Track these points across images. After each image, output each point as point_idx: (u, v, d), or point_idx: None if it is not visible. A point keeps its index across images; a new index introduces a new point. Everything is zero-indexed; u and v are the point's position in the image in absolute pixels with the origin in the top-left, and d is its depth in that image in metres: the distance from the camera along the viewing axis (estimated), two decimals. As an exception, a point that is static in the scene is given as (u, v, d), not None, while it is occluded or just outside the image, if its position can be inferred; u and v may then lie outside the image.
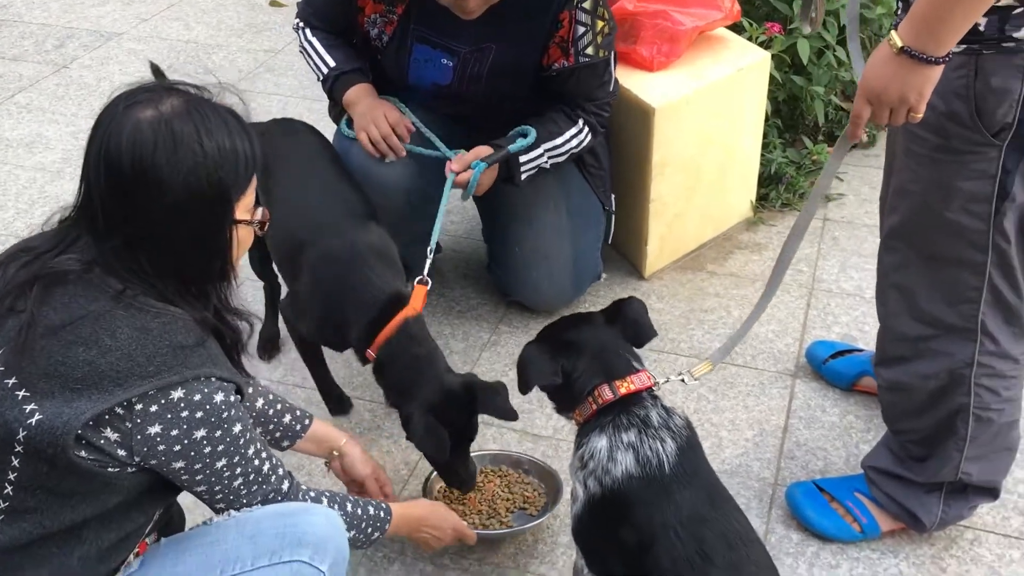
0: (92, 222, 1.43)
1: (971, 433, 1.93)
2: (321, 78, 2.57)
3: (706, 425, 2.51)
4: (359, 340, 2.13)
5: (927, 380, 1.93)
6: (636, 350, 1.84)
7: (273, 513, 1.58)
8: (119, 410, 1.36)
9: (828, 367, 2.62)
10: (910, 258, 1.89)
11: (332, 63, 2.54)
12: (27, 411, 1.35)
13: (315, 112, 2.84)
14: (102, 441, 1.37)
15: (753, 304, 2.90)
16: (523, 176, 2.51)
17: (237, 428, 1.46)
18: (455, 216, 3.38)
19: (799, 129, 3.56)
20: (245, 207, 1.49)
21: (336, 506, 1.70)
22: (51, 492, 1.39)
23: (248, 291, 2.92)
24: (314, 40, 2.58)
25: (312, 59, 2.59)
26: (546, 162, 2.54)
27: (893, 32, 1.56)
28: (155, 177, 1.37)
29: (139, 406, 1.36)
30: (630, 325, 1.84)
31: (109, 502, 1.43)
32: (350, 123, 2.55)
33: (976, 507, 2.11)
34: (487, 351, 2.81)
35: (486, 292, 3.03)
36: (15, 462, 1.37)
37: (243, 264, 2.48)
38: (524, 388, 1.79)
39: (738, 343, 2.15)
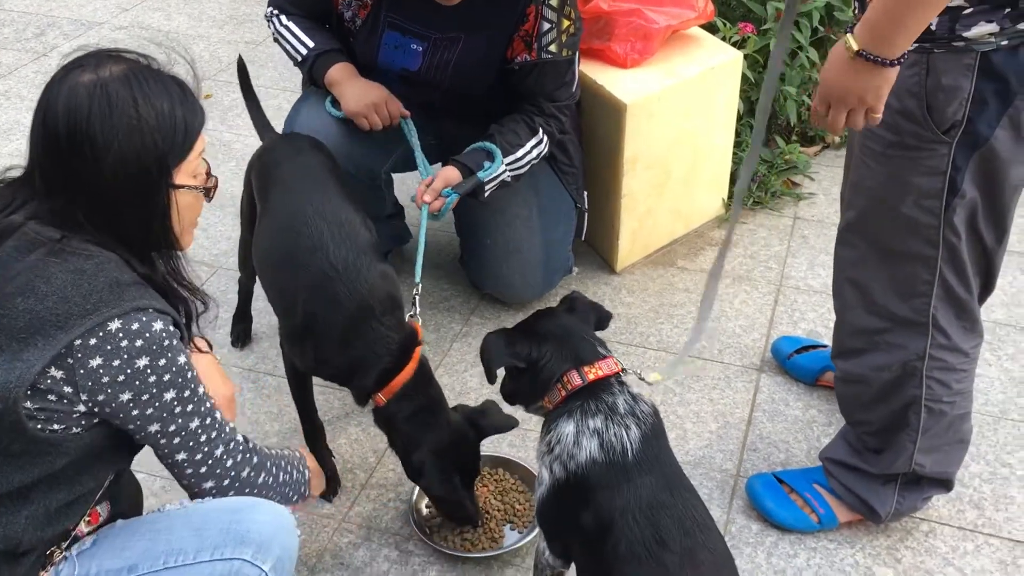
0: (33, 184, 1.47)
1: (923, 425, 1.97)
2: (300, 59, 2.58)
3: (671, 417, 2.55)
4: (371, 386, 2.04)
5: (881, 372, 1.97)
6: (599, 337, 1.87)
7: (221, 507, 1.60)
8: (63, 350, 1.38)
9: (792, 362, 2.66)
10: (865, 253, 1.93)
11: (311, 43, 2.56)
12: None
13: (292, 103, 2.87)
14: (48, 381, 1.38)
15: (723, 299, 2.96)
16: (487, 194, 2.54)
17: (182, 359, 1.47)
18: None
19: (772, 129, 3.60)
20: (189, 173, 1.52)
21: (273, 465, 1.69)
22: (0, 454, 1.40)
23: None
24: (290, 24, 2.59)
25: (289, 42, 2.60)
26: (508, 176, 2.56)
27: (848, 35, 1.59)
28: (89, 140, 1.40)
29: (78, 342, 1.38)
30: (589, 311, 1.88)
31: (57, 464, 1.44)
32: (334, 102, 2.58)
33: (930, 498, 2.16)
34: (458, 341, 2.83)
35: (459, 284, 3.06)
36: None
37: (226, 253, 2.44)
38: (490, 375, 1.81)
39: (684, 356, 2.25)
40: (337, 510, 2.31)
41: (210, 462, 1.57)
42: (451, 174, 2.46)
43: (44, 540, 1.49)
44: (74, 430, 1.44)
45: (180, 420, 1.50)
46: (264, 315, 2.89)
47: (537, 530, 2.14)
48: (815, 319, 2.88)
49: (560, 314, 1.88)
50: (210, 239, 3.31)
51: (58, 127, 1.42)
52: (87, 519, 1.57)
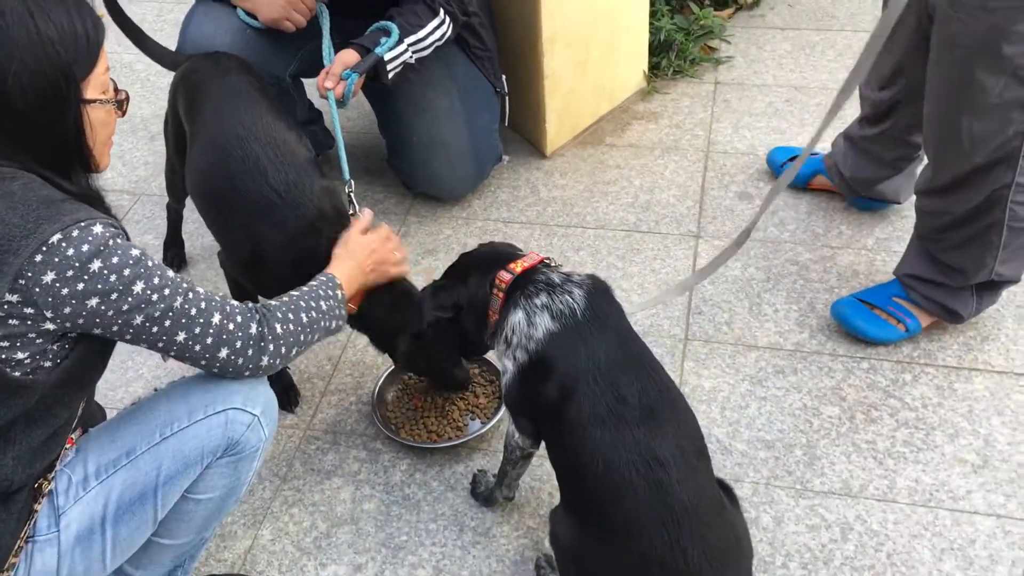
0: None
1: (1004, 242, 2.13)
2: None
3: (616, 292, 2.56)
4: None
5: (967, 203, 2.10)
6: None
7: (199, 378, 1.64)
8: (14, 273, 1.35)
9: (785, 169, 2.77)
10: (959, 103, 1.99)
11: None
12: None
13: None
14: (6, 307, 1.35)
15: (654, 172, 2.98)
16: (390, 75, 2.48)
17: (135, 251, 1.45)
18: (350, 113, 3.33)
19: (685, -6, 3.58)
20: (98, 87, 1.48)
21: (286, 312, 1.67)
22: None
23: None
24: None
25: None
26: (411, 57, 2.50)
27: None
28: None
29: (26, 262, 1.35)
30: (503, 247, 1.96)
31: (30, 401, 1.43)
32: (249, 14, 2.52)
33: (1001, 293, 2.34)
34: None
35: (391, 186, 3.03)
36: None
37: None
38: (422, 320, 1.88)
39: (663, 299, 2.39)
40: (300, 419, 2.33)
41: (211, 330, 1.54)
42: (349, 56, 2.39)
43: (33, 475, 1.50)
44: (41, 363, 1.42)
45: (162, 304, 1.48)
46: (196, 237, 2.84)
47: (498, 417, 2.21)
48: (745, 180, 2.93)
49: (474, 251, 1.95)
50: (127, 165, 3.21)
51: None
52: (65, 446, 1.58)
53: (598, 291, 1.81)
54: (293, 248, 2.01)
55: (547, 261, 1.86)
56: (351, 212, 2.13)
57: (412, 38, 2.49)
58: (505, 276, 1.81)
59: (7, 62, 1.36)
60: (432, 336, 2.01)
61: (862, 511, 2.02)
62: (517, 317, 1.77)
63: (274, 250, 2.03)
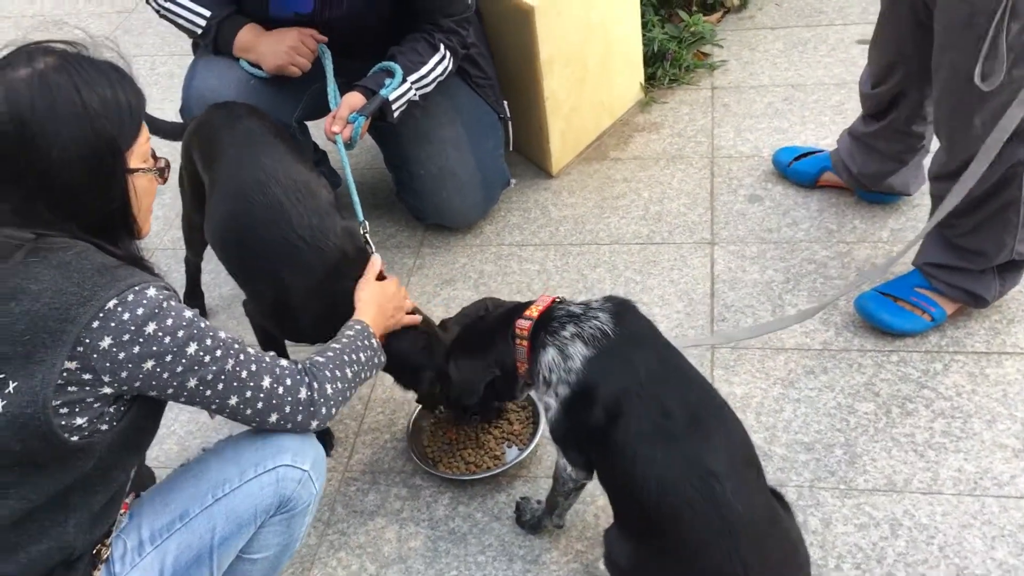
0: None
1: (1022, 220, 2.13)
2: (200, 31, 2.49)
3: (638, 306, 2.59)
4: None
5: (982, 184, 2.09)
6: None
7: (247, 436, 1.65)
8: (73, 341, 1.37)
9: (792, 169, 2.84)
10: (969, 86, 1.98)
11: (206, 12, 2.47)
12: None
13: (184, 67, 2.75)
14: (65, 374, 1.37)
15: (661, 182, 3.00)
16: (396, 114, 2.50)
17: (188, 313, 1.47)
18: (355, 149, 3.34)
19: (673, 3, 3.60)
20: (140, 156, 1.50)
21: (334, 369, 1.69)
22: (28, 465, 1.40)
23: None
24: None
25: (179, 15, 2.49)
26: (415, 95, 2.52)
27: None
28: (38, 131, 1.38)
29: (84, 329, 1.37)
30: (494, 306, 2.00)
31: (87, 466, 1.44)
32: (254, 64, 2.52)
33: None
34: (415, 275, 2.83)
35: (401, 219, 3.04)
36: None
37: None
38: (469, 398, 1.94)
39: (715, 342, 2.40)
40: (337, 462, 2.33)
41: (263, 395, 1.57)
42: (354, 99, 2.41)
43: (93, 541, 1.52)
44: (99, 426, 1.43)
45: (215, 366, 1.50)
46: (213, 288, 2.85)
47: (535, 443, 2.21)
48: (753, 183, 2.94)
49: (474, 317, 2.00)
50: (137, 223, 3.21)
51: (3, 124, 1.38)
52: (120, 512, 1.59)
53: (623, 309, 1.81)
54: (319, 292, 2.02)
55: (559, 299, 1.87)
56: (370, 252, 2.14)
57: (415, 76, 2.51)
58: (524, 324, 1.83)
59: (55, 136, 1.39)
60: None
61: (909, 506, 2.02)
62: (550, 355, 1.78)
63: (300, 295, 2.03)
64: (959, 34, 1.99)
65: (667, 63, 3.41)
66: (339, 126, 2.36)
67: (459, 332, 2.01)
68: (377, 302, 1.95)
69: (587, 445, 1.79)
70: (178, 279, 2.78)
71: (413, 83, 2.51)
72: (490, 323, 1.93)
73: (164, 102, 3.31)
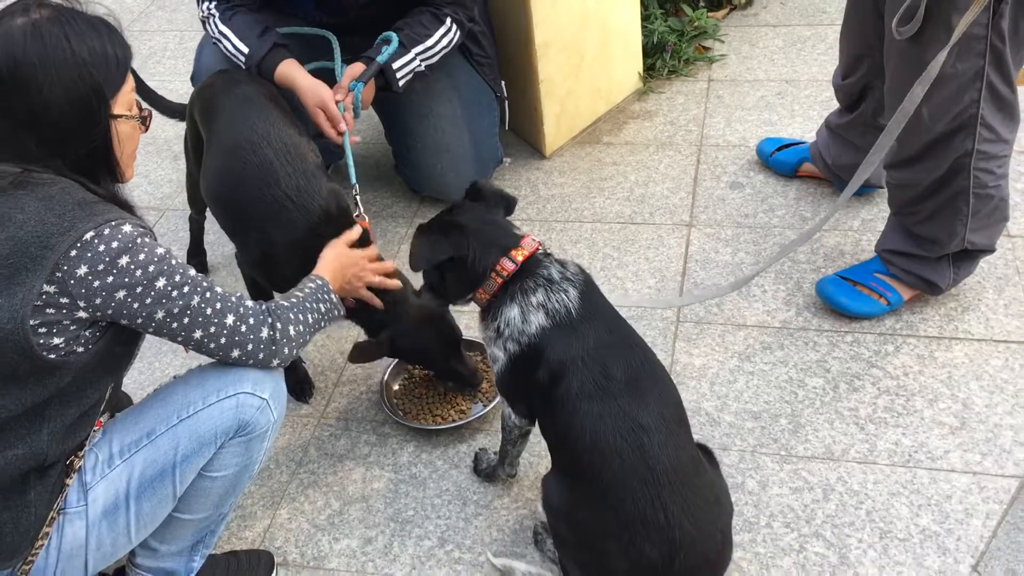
0: None
1: (972, 209, 2.24)
2: (243, 65, 2.57)
3: (612, 279, 2.72)
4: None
5: (932, 172, 2.20)
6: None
7: (214, 366, 1.79)
8: (52, 266, 1.51)
9: (775, 159, 2.96)
10: (914, 77, 2.04)
11: (246, 49, 2.54)
12: None
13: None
14: (44, 297, 1.52)
15: (649, 167, 3.11)
16: (400, 82, 2.62)
17: (160, 250, 1.61)
18: (361, 125, 3.50)
19: (678, -1, 3.72)
20: (124, 104, 1.65)
21: (296, 314, 1.82)
22: (7, 378, 1.55)
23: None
24: (223, 28, 2.57)
25: (227, 49, 2.58)
26: (420, 66, 2.65)
27: None
28: (28, 72, 1.53)
29: (63, 256, 1.52)
30: (496, 197, 2.00)
31: (62, 382, 1.59)
32: None
33: (978, 263, 2.43)
34: (405, 243, 2.97)
35: (399, 191, 3.19)
36: None
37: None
38: (416, 265, 1.94)
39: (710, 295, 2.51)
40: (315, 409, 2.48)
41: (226, 331, 1.71)
42: (355, 69, 2.54)
43: (65, 452, 1.67)
44: (75, 347, 1.58)
45: (181, 301, 1.64)
46: (216, 247, 3.01)
47: (498, 399, 2.33)
48: (736, 171, 3.05)
49: (471, 205, 1.99)
50: (152, 184, 3.40)
51: None
52: (94, 428, 1.74)
53: (590, 288, 1.88)
54: (302, 247, 2.14)
55: (540, 249, 1.92)
56: (356, 214, 2.28)
57: (420, 47, 2.63)
58: (508, 265, 1.87)
59: (45, 79, 1.54)
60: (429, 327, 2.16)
61: (843, 473, 2.12)
62: (513, 313, 1.86)
63: (285, 249, 2.18)
64: (903, 26, 2.08)
65: (667, 55, 3.52)
66: (341, 94, 2.49)
67: (452, 214, 1.98)
68: (339, 264, 2.07)
69: (530, 397, 1.90)
70: (187, 238, 2.95)
71: (418, 54, 2.63)
72: (479, 231, 1.91)
73: (189, 74, 3.49)
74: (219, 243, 3.02)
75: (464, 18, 2.72)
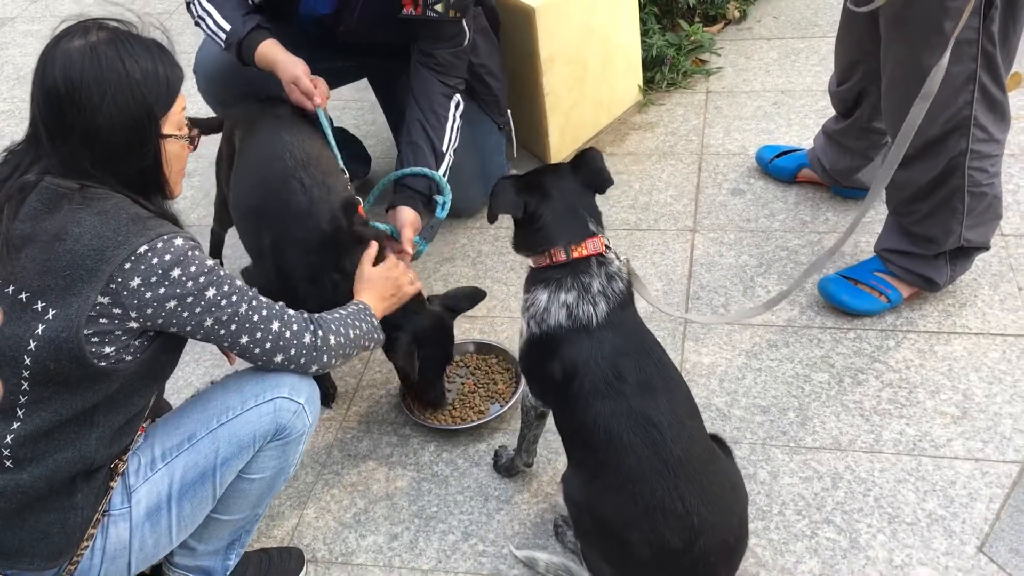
0: (39, 143, 1.67)
1: (967, 207, 2.33)
2: (223, 46, 2.62)
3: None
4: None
5: (928, 173, 2.29)
6: (597, 207, 2.02)
7: (251, 371, 1.87)
8: (106, 278, 1.59)
9: (774, 165, 3.06)
10: (912, 84, 2.11)
11: (227, 26, 2.56)
12: (37, 311, 1.59)
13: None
14: (98, 307, 1.60)
15: (652, 175, 3.20)
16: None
17: (209, 262, 1.70)
18: (370, 140, 3.59)
19: (675, 13, 3.82)
20: (174, 124, 1.73)
21: (339, 327, 1.90)
22: (60, 384, 1.63)
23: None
24: (208, 6, 2.59)
25: (209, 28, 2.61)
26: (452, 158, 2.72)
27: None
28: (85, 94, 1.61)
29: (117, 268, 1.60)
30: (593, 174, 2.03)
31: (111, 388, 1.67)
32: None
33: (974, 260, 2.52)
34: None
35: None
36: (27, 360, 1.60)
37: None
38: (492, 217, 2.00)
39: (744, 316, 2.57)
40: (337, 412, 2.56)
41: (271, 336, 1.79)
42: (409, 216, 2.54)
43: (111, 456, 1.74)
44: (124, 356, 1.65)
45: (230, 309, 1.72)
46: (233, 260, 3.09)
47: (515, 399, 2.42)
48: (736, 178, 3.15)
49: (567, 175, 2.01)
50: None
51: (57, 86, 1.62)
52: (137, 434, 1.81)
53: (622, 304, 1.93)
54: (314, 255, 2.22)
55: (604, 254, 1.94)
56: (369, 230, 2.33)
57: (445, 142, 2.70)
58: (560, 256, 1.92)
59: (101, 100, 1.61)
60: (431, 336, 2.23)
61: (851, 462, 2.21)
62: (541, 297, 1.92)
63: (297, 257, 2.24)
64: (900, 28, 2.18)
65: (666, 68, 3.62)
66: (411, 248, 2.49)
67: (544, 175, 2.02)
68: (373, 286, 2.13)
69: (544, 383, 1.98)
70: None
71: (445, 151, 2.69)
72: (560, 213, 1.95)
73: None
74: (235, 256, 3.09)
75: (460, 78, 2.75)
